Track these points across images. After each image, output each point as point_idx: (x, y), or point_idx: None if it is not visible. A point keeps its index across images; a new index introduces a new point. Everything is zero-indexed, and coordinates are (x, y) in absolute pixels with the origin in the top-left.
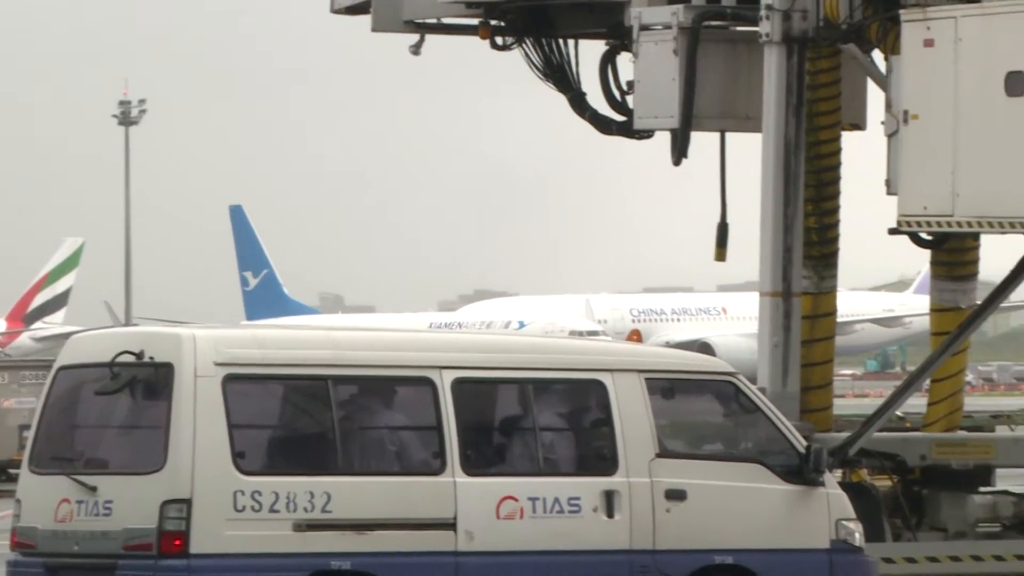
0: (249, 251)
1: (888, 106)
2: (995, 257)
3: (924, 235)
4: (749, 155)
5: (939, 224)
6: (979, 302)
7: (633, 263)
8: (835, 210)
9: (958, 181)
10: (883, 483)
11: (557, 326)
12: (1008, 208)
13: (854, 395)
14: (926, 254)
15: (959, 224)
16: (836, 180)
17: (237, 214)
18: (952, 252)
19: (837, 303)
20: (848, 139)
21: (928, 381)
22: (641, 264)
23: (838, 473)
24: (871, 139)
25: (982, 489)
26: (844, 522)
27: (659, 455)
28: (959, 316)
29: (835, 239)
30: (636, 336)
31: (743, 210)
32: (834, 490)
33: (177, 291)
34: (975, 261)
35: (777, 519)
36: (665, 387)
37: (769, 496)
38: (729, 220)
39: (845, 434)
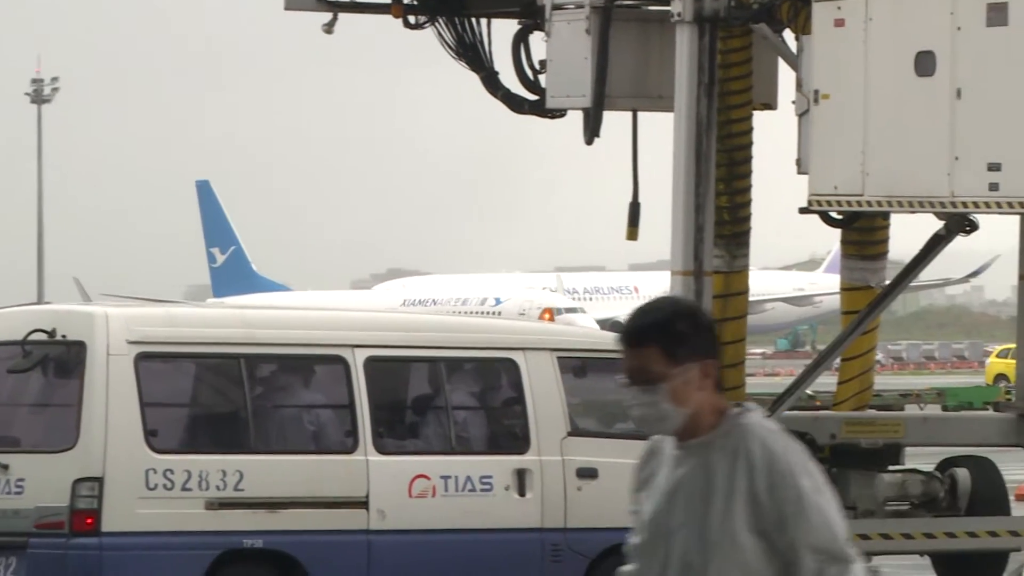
0: (216, 227)
1: (799, 86)
2: (905, 236)
3: (834, 214)
4: (661, 134)
5: (849, 203)
6: (889, 281)
7: (546, 242)
8: (747, 189)
9: (868, 160)
10: None
11: (534, 303)
12: (917, 187)
13: (765, 374)
14: (836, 233)
15: (869, 203)
16: (748, 159)
17: (204, 189)
18: (862, 231)
19: (749, 282)
20: (759, 118)
21: (838, 360)
22: (554, 243)
23: None
24: (782, 118)
25: (891, 468)
26: None
27: (571, 434)
28: (869, 295)
29: (747, 218)
30: (548, 315)
31: (655, 189)
32: None
33: (143, 269)
34: (885, 240)
35: None
36: (577, 365)
37: None
38: (641, 199)
39: None
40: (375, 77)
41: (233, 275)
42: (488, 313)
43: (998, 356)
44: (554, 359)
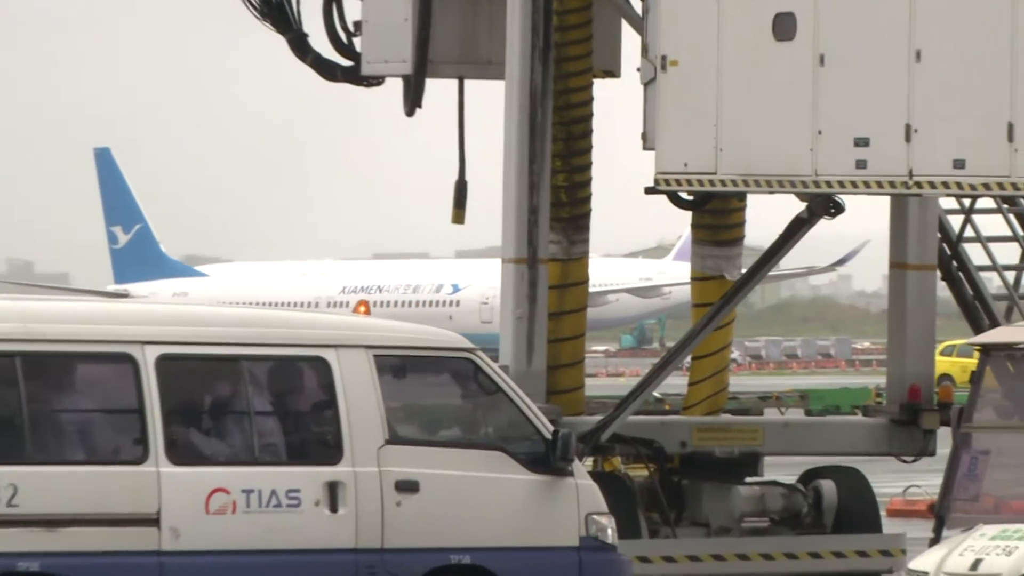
0: (118, 202)
1: (644, 51)
2: (763, 220)
3: (684, 195)
4: (491, 105)
5: (701, 183)
6: (745, 270)
7: (362, 226)
8: (586, 167)
9: (722, 135)
10: (639, 472)
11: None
12: (776, 165)
13: (607, 374)
14: (687, 216)
15: (723, 183)
16: (588, 133)
17: (104, 159)
18: (716, 214)
19: (589, 271)
20: (601, 88)
21: (689, 358)
22: (371, 227)
23: (589, 461)
24: (626, 88)
25: (748, 479)
26: (595, 516)
27: (389, 441)
28: (723, 285)
29: (586, 199)
30: (364, 308)
31: (485, 167)
32: (584, 480)
33: (38, 248)
34: (741, 224)
35: (520, 513)
36: (396, 365)
37: (511, 487)
38: (469, 178)
39: (597, 418)
40: (201, 41)
41: (138, 258)
42: (445, 303)
43: (942, 354)
44: (370, 357)
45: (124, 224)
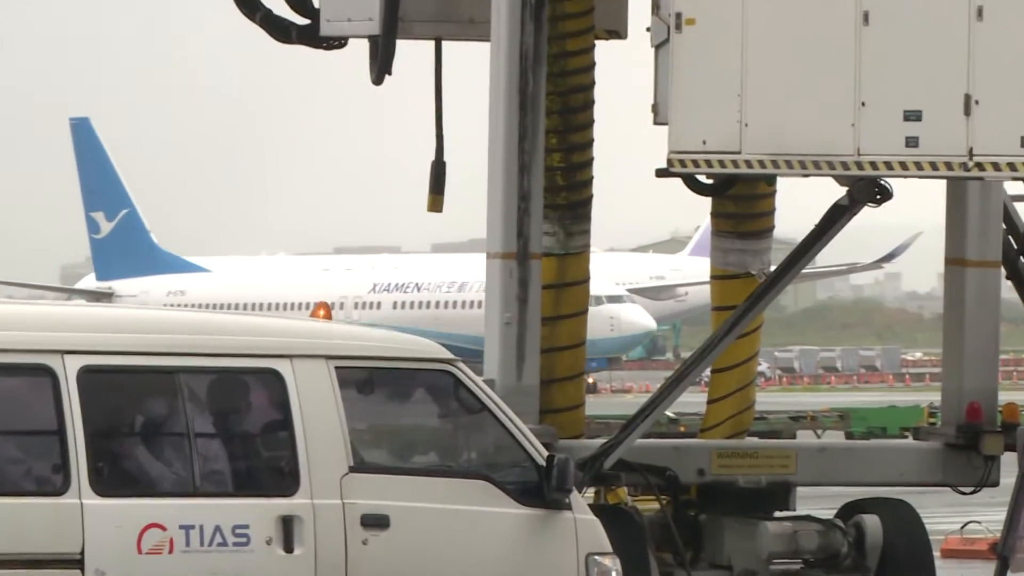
0: (99, 184)
1: (656, 8)
2: (796, 209)
3: (703, 178)
4: (475, 71)
5: (722, 164)
6: (775, 267)
7: (323, 216)
8: (587, 145)
9: (747, 107)
10: (649, 506)
11: None
12: (811, 143)
13: (612, 390)
14: (706, 204)
15: (748, 164)
16: (588, 105)
17: (82, 131)
18: (740, 201)
19: (590, 268)
20: (604, 51)
21: (708, 372)
22: (333, 217)
23: (590, 492)
24: (635, 51)
25: (778, 514)
26: (597, 557)
27: (354, 469)
28: (749, 285)
29: (587, 183)
30: (324, 311)
31: (467, 145)
32: (584, 515)
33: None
34: (770, 213)
35: (509, 553)
36: (362, 379)
37: (498, 522)
38: (448, 158)
39: (600, 441)
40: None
41: (124, 249)
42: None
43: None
44: (332, 370)
45: (107, 209)
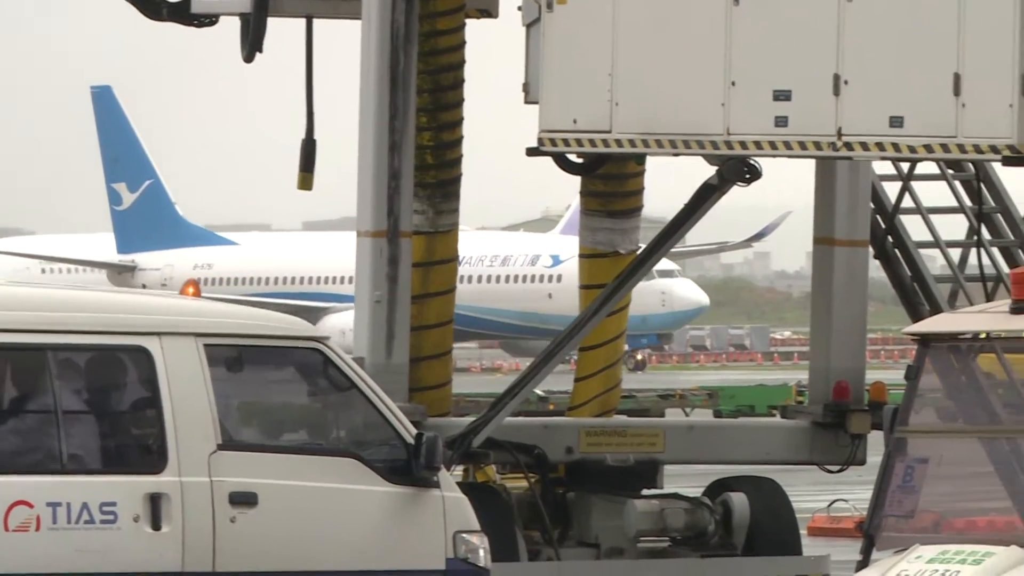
0: (122, 153)
1: None
2: (665, 188)
3: (573, 157)
4: (346, 49)
5: (592, 142)
6: (644, 246)
7: (191, 194)
8: (457, 123)
9: (618, 86)
10: (517, 484)
11: None
12: (681, 122)
13: (482, 368)
14: (576, 182)
15: (618, 143)
16: (459, 83)
17: (104, 99)
18: (609, 180)
19: (458, 246)
20: (475, 29)
21: (576, 350)
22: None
23: (459, 470)
24: (506, 30)
25: (646, 492)
26: (464, 535)
27: (222, 447)
28: (617, 263)
29: (456, 161)
30: (193, 289)
31: (338, 123)
32: (452, 493)
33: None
34: (639, 192)
35: (377, 531)
36: (231, 356)
37: (366, 500)
38: (318, 136)
39: (469, 419)
40: None
41: (148, 221)
42: (544, 278)
43: None
44: (201, 347)
45: (129, 181)
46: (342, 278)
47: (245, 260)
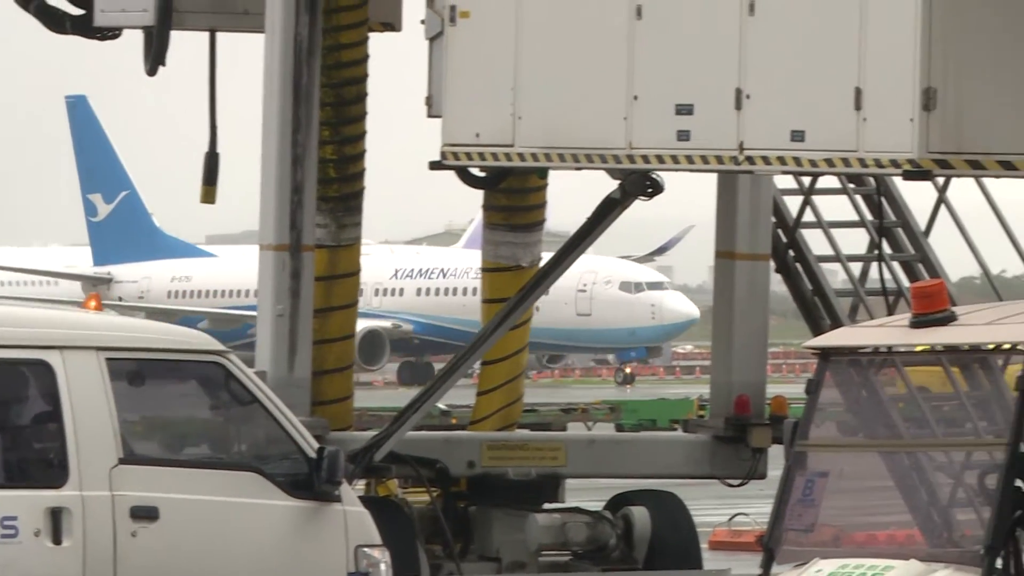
0: (97, 164)
1: (430, 0)
2: (568, 202)
3: (476, 171)
4: (249, 62)
5: (495, 157)
6: (547, 259)
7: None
8: (360, 137)
9: (521, 101)
10: (419, 498)
11: (600, 275)
12: (584, 136)
13: (384, 383)
14: (479, 196)
15: (521, 157)
16: (362, 97)
17: (79, 109)
18: (512, 194)
19: (361, 260)
20: (379, 43)
21: (478, 364)
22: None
23: (360, 484)
24: (409, 44)
25: (547, 506)
26: (366, 549)
27: (124, 461)
28: (520, 277)
29: (359, 175)
30: (95, 302)
31: (241, 137)
32: (353, 507)
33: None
34: (541, 206)
35: (278, 545)
36: (133, 370)
37: (268, 514)
38: (221, 149)
39: (371, 433)
40: None
41: (124, 233)
42: None
43: None
44: (103, 361)
45: (105, 192)
46: None
47: (224, 272)
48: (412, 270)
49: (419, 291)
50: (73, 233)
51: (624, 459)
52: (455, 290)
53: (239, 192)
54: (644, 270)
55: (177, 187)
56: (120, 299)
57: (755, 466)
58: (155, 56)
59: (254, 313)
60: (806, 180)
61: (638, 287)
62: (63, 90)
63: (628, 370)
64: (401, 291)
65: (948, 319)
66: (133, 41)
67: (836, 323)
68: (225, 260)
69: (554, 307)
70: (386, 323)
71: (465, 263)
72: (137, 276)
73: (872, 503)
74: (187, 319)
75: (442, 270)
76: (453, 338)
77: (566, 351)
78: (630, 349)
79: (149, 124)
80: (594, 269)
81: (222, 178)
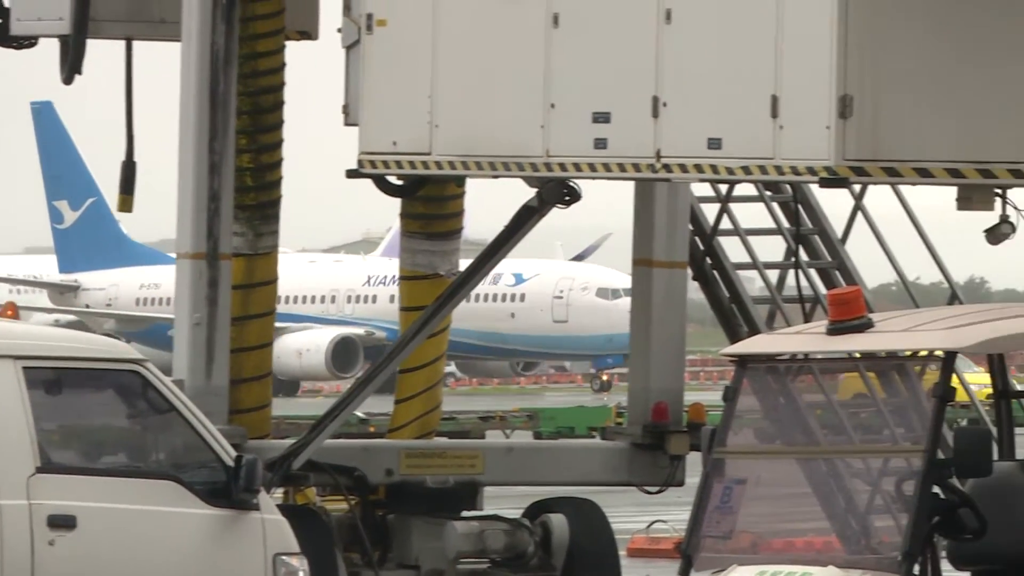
0: (63, 170)
1: (347, 8)
2: (486, 210)
3: (393, 179)
4: (166, 71)
5: (412, 165)
6: (464, 267)
7: (12, 214)
8: (277, 145)
9: (438, 109)
10: (337, 506)
11: (577, 282)
12: (501, 145)
13: (303, 391)
14: (397, 204)
15: (438, 165)
16: (279, 105)
17: (45, 115)
18: (429, 202)
19: (278, 269)
20: (296, 51)
21: (396, 371)
22: (22, 216)
23: (279, 493)
24: (326, 52)
25: (465, 514)
26: (284, 557)
27: (41, 469)
28: (437, 286)
29: (277, 183)
30: (11, 311)
31: (158, 145)
32: (272, 515)
33: None
34: (459, 214)
35: (197, 553)
36: (50, 379)
37: (186, 523)
38: (138, 158)
39: (289, 441)
40: None
41: (90, 240)
42: (506, 297)
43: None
44: (19, 370)
45: (71, 198)
46: (295, 298)
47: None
48: (385, 277)
49: (392, 298)
50: (39, 240)
51: (542, 467)
52: None
53: (154, 202)
54: (621, 277)
55: (144, 194)
56: (87, 306)
57: (673, 473)
58: (71, 65)
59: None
60: (723, 188)
61: (615, 293)
62: (29, 96)
63: (605, 377)
64: (374, 298)
65: (865, 326)
66: (103, 48)
67: (753, 330)
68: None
69: (531, 314)
70: (359, 330)
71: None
72: (104, 283)
73: (790, 510)
74: (158, 327)
75: None
76: None
77: (542, 358)
78: (607, 356)
79: (116, 131)
80: (571, 275)
81: (164, 187)
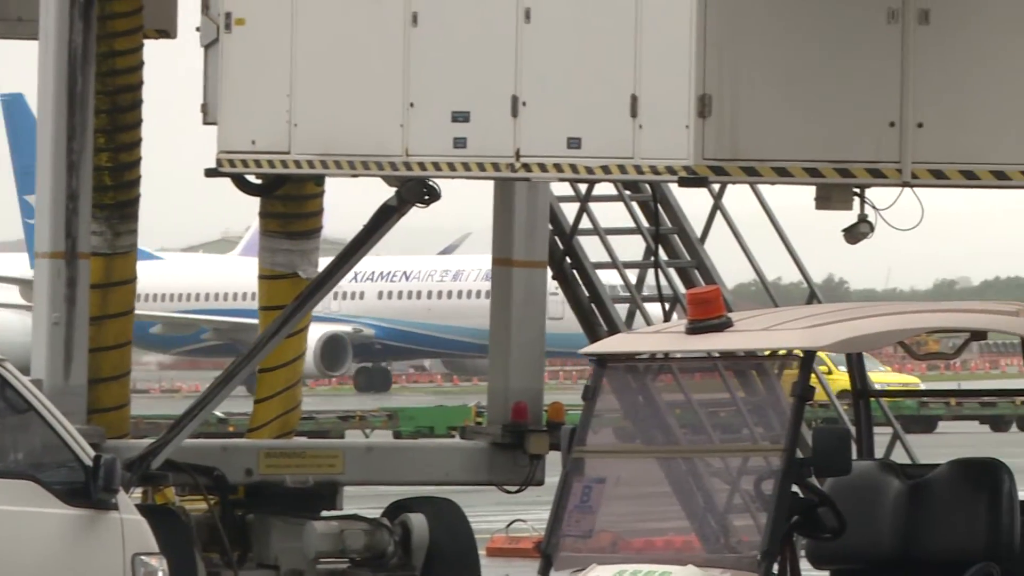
0: (35, 164)
1: (205, 7)
2: (345, 209)
3: (252, 178)
4: (25, 70)
5: (271, 163)
6: (324, 267)
7: None
8: (135, 144)
9: (296, 107)
10: (196, 506)
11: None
12: (360, 144)
13: (161, 390)
14: (256, 203)
15: (297, 164)
16: (137, 104)
17: (15, 108)
18: (288, 201)
19: (136, 268)
20: (155, 50)
21: (256, 371)
22: None
23: (138, 492)
24: (184, 51)
25: (325, 513)
26: (143, 557)
27: None
28: (297, 285)
29: (135, 183)
30: None
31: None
32: (130, 515)
33: None
34: (318, 213)
35: (54, 553)
36: None
37: (42, 523)
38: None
39: (148, 441)
40: None
41: None
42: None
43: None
44: None
45: None
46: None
47: (170, 276)
48: (372, 273)
49: (380, 294)
50: (9, 235)
51: (402, 466)
52: (418, 293)
53: (10, 201)
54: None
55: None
56: None
57: (533, 472)
58: None
59: (209, 317)
60: (583, 187)
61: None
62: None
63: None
64: (362, 295)
65: (724, 325)
66: None
67: (613, 329)
68: (172, 264)
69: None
70: (347, 328)
71: (429, 266)
72: None
73: (650, 509)
74: (138, 323)
75: (404, 273)
76: (417, 342)
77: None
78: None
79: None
80: None
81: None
